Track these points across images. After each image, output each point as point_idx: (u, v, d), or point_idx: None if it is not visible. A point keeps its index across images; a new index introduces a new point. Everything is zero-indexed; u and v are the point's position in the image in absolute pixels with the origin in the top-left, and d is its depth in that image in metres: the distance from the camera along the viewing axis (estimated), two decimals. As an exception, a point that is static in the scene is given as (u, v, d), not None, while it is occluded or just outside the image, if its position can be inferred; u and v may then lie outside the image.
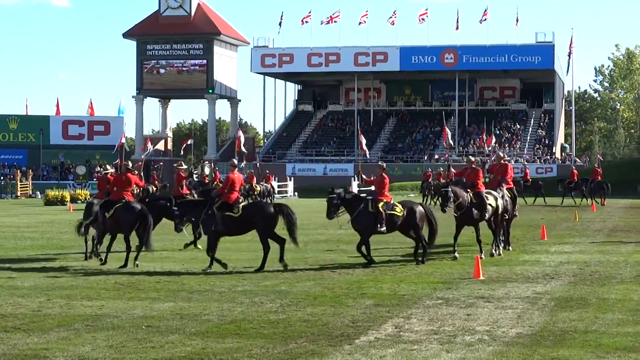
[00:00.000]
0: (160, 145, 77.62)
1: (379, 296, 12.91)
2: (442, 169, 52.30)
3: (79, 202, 48.80)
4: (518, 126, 74.74)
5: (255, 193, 41.90)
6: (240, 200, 16.82)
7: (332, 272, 15.87)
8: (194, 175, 26.98)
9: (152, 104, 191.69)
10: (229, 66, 77.88)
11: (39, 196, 57.91)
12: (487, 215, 18.10)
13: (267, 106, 79.75)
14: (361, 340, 9.82)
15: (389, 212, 17.16)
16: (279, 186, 54.96)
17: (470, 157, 20.18)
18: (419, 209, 17.56)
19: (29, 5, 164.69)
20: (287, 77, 78.95)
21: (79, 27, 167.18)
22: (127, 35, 76.10)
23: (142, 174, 46.09)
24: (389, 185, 18.05)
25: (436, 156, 69.07)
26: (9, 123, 72.29)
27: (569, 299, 12.48)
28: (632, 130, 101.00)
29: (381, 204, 17.17)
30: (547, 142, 73.11)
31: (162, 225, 20.55)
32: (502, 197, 19.02)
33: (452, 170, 20.90)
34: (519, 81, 78.09)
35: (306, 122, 79.57)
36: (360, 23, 73.53)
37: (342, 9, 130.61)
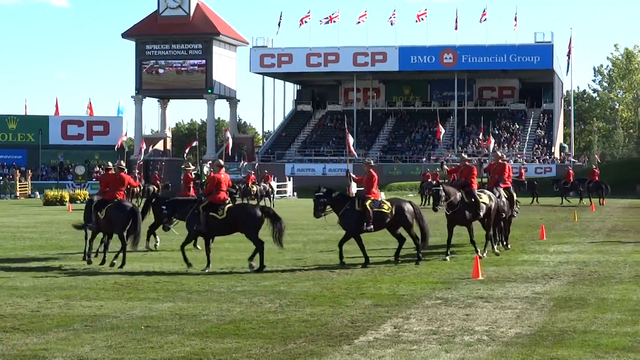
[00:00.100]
0: (160, 145, 77.63)
1: (378, 296, 12.91)
2: (438, 170, 52.35)
3: (78, 202, 48.83)
4: (517, 126, 74.78)
5: (252, 194, 41.82)
6: (227, 202, 16.81)
7: (331, 272, 15.87)
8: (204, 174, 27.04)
9: (151, 104, 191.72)
10: (228, 66, 77.88)
11: (38, 196, 57.91)
12: (481, 214, 17.99)
13: (266, 106, 79.78)
14: (360, 340, 9.82)
15: (376, 209, 17.08)
16: (278, 186, 54.93)
17: (463, 155, 20.12)
18: (408, 206, 17.45)
19: (28, 5, 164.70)
20: (286, 77, 78.97)
21: (78, 27, 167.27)
22: (126, 35, 76.09)
23: (136, 174, 46.26)
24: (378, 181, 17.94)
25: (433, 157, 69.04)
26: (8, 123, 72.27)
27: (568, 299, 12.48)
28: (631, 130, 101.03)
29: (368, 201, 17.07)
30: (546, 142, 73.13)
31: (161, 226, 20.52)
32: (499, 196, 19.01)
33: (446, 167, 20.85)
34: (518, 81, 78.13)
35: (305, 122, 79.59)
36: (358, 22, 73.58)
37: (341, 9, 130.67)
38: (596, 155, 69.32)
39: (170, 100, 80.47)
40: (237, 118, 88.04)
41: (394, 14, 72.63)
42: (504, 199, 19.25)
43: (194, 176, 22.97)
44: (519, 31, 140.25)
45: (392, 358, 8.98)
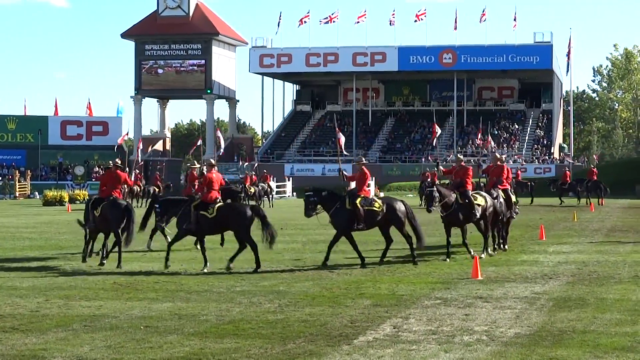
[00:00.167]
0: (159, 146, 77.61)
1: (377, 296, 12.91)
2: (435, 170, 52.41)
3: (78, 202, 48.83)
4: (516, 126, 74.80)
5: (249, 194, 41.67)
6: (218, 200, 16.81)
7: (330, 273, 15.86)
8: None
9: (150, 104, 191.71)
10: (227, 66, 77.88)
11: (38, 197, 57.90)
12: (477, 215, 17.90)
13: (265, 106, 79.82)
14: (359, 340, 9.82)
15: (367, 207, 17.02)
16: (277, 186, 54.93)
17: (459, 155, 20.06)
18: (399, 205, 17.37)
19: (27, 5, 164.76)
20: (285, 77, 78.96)
21: (77, 28, 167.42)
22: (125, 35, 76.09)
23: (137, 175, 46.25)
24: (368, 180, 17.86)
25: (430, 157, 69.00)
26: (8, 123, 72.24)
27: (567, 299, 12.48)
28: (630, 131, 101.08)
29: (358, 199, 17.02)
30: (545, 142, 73.14)
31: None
32: (496, 197, 18.98)
33: (441, 168, 20.84)
34: (517, 81, 78.15)
35: (304, 122, 79.59)
36: (357, 22, 73.54)
37: (341, 9, 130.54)
38: (594, 156, 69.32)
39: (170, 100, 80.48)
40: (237, 118, 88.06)
41: (393, 14, 72.70)
42: (501, 199, 19.20)
43: (198, 174, 22.98)
44: (519, 31, 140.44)
45: (391, 358, 8.98)
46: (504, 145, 70.83)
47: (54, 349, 9.42)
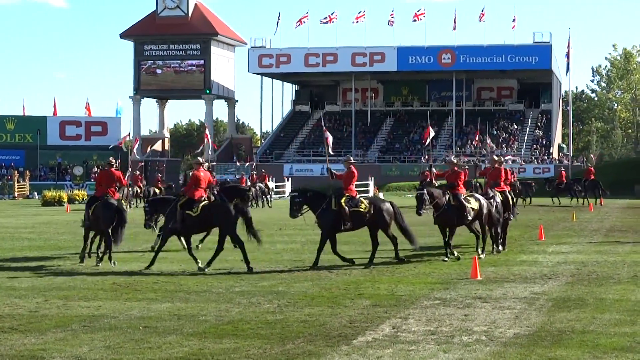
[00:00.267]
0: (158, 146, 77.58)
1: (376, 297, 12.90)
2: (427, 169, 52.39)
3: (77, 202, 48.80)
4: (515, 126, 74.79)
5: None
6: (203, 199, 16.80)
7: (329, 273, 15.85)
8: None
9: (149, 105, 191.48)
10: (226, 66, 77.87)
11: (36, 197, 57.85)
12: (468, 218, 17.76)
13: (264, 106, 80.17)
14: (359, 340, 9.82)
15: (353, 209, 16.94)
16: (276, 186, 54.90)
17: (452, 159, 19.88)
18: (387, 206, 17.31)
19: (27, 5, 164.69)
20: (284, 77, 78.95)
21: (76, 28, 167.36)
22: (124, 35, 76.08)
23: (137, 175, 46.20)
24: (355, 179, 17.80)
25: (426, 157, 68.93)
26: (6, 123, 72.20)
27: (567, 299, 12.48)
28: (630, 131, 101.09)
29: (343, 199, 16.96)
30: (544, 142, 73.14)
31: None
32: (492, 197, 18.93)
33: (434, 170, 20.80)
34: (517, 81, 78.15)
35: (303, 122, 79.55)
36: (356, 21, 73.48)
37: (340, 9, 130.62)
38: (592, 155, 69.33)
39: (169, 100, 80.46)
40: (236, 118, 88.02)
41: (392, 14, 72.71)
42: (498, 200, 19.14)
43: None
44: (518, 31, 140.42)
45: (391, 358, 8.97)
46: (503, 146, 70.82)
47: (52, 350, 9.41)
